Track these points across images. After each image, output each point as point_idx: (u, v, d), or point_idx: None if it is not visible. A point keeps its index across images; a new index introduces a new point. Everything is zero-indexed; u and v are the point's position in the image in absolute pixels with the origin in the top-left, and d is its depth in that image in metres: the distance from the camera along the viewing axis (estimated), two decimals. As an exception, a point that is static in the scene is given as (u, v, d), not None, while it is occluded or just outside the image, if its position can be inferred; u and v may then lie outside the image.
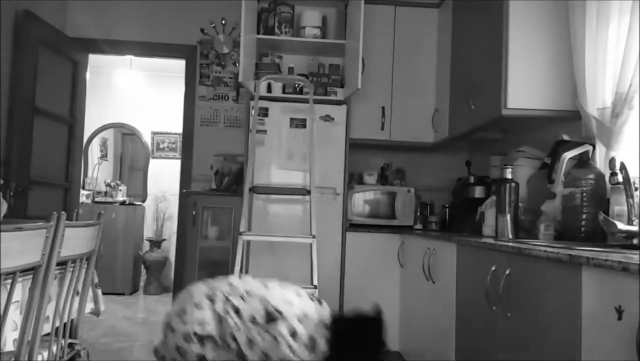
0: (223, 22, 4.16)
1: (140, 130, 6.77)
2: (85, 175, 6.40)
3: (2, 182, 2.96)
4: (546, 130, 2.84)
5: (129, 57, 5.47)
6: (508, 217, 2.32)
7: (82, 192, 5.63)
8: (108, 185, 6.56)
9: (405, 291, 3.42)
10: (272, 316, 1.94)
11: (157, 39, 4.20)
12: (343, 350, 1.98)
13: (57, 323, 1.89)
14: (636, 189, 1.97)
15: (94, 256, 2.14)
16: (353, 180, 3.86)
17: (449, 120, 3.49)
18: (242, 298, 1.99)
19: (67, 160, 4.12)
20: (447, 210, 3.83)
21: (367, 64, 3.66)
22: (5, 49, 3.43)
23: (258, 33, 3.64)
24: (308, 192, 3.17)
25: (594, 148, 2.27)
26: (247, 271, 3.30)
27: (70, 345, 2.07)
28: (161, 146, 6.78)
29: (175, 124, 5.92)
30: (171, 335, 1.98)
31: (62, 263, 1.88)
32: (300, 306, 1.99)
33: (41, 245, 1.68)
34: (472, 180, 3.50)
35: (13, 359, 1.67)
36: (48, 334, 1.85)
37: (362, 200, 3.68)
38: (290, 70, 3.70)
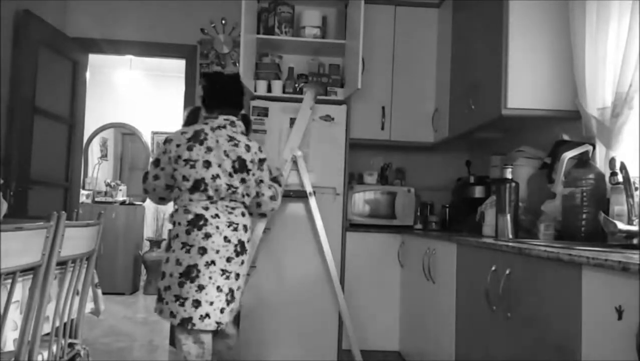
0: (223, 22, 4.16)
1: (140, 130, 6.77)
2: (85, 175, 6.40)
3: (2, 182, 2.95)
4: (546, 130, 2.84)
5: (129, 57, 5.47)
6: (508, 216, 2.32)
7: (82, 191, 5.63)
8: (108, 185, 6.56)
9: (405, 291, 3.42)
10: None
11: (157, 38, 4.20)
12: None
13: (57, 323, 1.89)
14: (636, 189, 1.97)
15: (94, 256, 2.14)
16: (353, 180, 3.86)
17: (449, 120, 3.49)
18: None
19: (67, 160, 4.12)
20: (447, 210, 3.83)
21: (367, 64, 3.66)
22: (5, 49, 3.43)
23: (258, 33, 3.64)
24: (310, 194, 3.21)
25: (594, 148, 2.27)
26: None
27: (70, 345, 2.07)
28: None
29: (175, 124, 5.91)
30: None
31: (62, 263, 1.88)
32: None
33: (41, 245, 1.68)
34: (472, 180, 3.50)
35: (13, 359, 1.67)
36: (48, 334, 1.85)
37: (362, 200, 3.68)
38: (290, 70, 3.70)
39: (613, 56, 2.26)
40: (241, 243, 2.27)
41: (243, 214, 2.33)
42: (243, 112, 2.45)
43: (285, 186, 3.23)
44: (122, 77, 6.45)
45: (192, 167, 2.23)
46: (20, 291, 1.73)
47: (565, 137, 2.50)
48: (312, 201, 3.22)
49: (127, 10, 4.18)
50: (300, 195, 3.27)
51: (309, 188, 3.23)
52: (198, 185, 2.23)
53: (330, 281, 3.29)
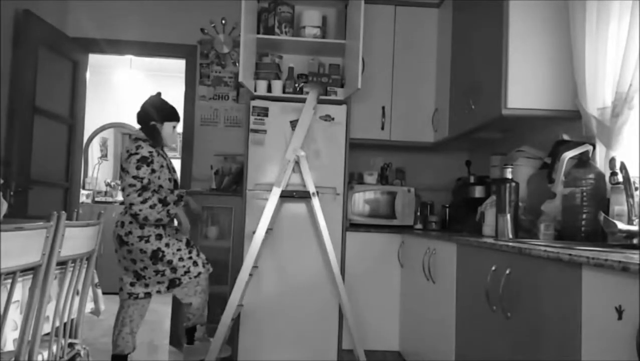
0: (223, 22, 4.16)
1: (140, 130, 6.77)
2: (85, 175, 6.40)
3: (2, 181, 2.95)
4: (546, 130, 2.84)
5: (129, 57, 5.47)
6: (508, 216, 2.32)
7: (82, 191, 5.63)
8: (108, 184, 6.56)
9: (405, 291, 3.42)
10: None
11: (157, 38, 4.20)
12: None
13: (57, 323, 1.89)
14: (636, 189, 1.97)
15: (94, 256, 2.14)
16: (353, 180, 3.86)
17: (449, 120, 3.49)
18: None
19: (67, 160, 4.12)
20: (447, 210, 3.83)
21: (367, 64, 3.66)
22: (5, 49, 3.43)
23: (258, 33, 3.64)
24: (313, 194, 3.21)
25: (594, 148, 2.27)
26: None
27: (70, 345, 2.07)
28: (161, 146, 6.77)
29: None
30: None
31: (62, 263, 1.88)
32: None
33: (41, 244, 1.68)
34: (472, 180, 3.50)
35: (13, 359, 1.67)
36: (48, 334, 1.85)
37: (362, 200, 3.68)
38: (290, 70, 3.69)
39: (613, 56, 2.26)
40: (118, 236, 2.88)
41: (126, 212, 2.84)
42: (153, 122, 2.88)
43: (287, 186, 3.25)
44: (122, 77, 6.44)
45: None
46: (20, 291, 1.74)
47: (565, 137, 2.50)
48: (316, 201, 3.21)
49: (127, 10, 4.18)
50: (302, 196, 3.27)
51: (312, 189, 3.23)
52: None
53: (330, 282, 3.29)
